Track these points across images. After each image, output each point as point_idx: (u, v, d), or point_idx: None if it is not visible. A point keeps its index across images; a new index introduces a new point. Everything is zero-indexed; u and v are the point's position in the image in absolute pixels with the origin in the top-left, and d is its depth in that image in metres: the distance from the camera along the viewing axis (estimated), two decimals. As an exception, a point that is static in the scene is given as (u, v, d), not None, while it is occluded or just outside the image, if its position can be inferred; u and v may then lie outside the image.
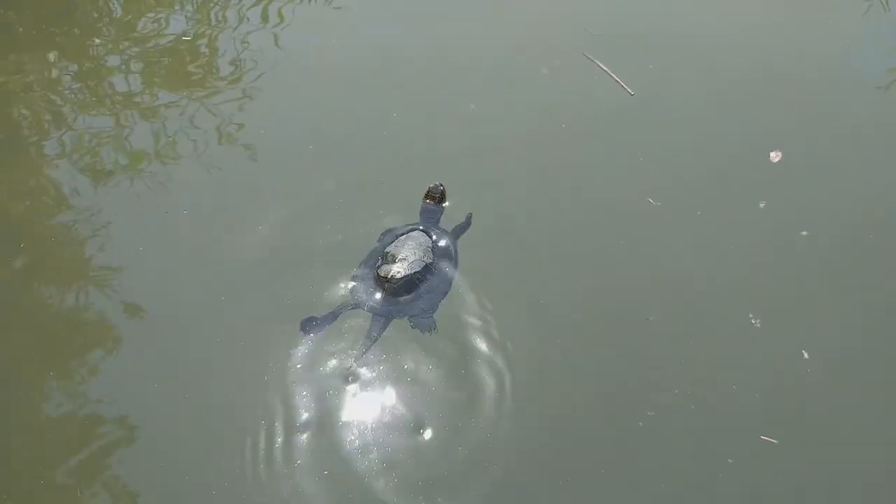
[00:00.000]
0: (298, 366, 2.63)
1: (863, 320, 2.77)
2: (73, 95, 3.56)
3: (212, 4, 4.06)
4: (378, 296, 2.71)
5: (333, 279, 2.82)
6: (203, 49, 3.80)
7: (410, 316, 2.68)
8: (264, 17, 3.90)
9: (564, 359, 2.65)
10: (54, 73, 3.67)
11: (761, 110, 3.41)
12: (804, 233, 2.96)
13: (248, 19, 3.94)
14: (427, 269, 2.74)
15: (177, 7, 4.10)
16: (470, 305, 2.72)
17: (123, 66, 3.67)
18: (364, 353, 2.58)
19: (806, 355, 2.68)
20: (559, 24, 3.81)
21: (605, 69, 3.55)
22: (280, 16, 3.96)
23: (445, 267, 2.79)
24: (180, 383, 2.61)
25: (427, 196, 2.99)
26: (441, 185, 2.98)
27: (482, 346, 2.65)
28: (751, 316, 2.76)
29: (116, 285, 2.85)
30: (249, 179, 3.18)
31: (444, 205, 2.99)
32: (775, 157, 3.20)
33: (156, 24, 3.89)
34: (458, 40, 3.76)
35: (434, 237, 2.85)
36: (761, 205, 3.01)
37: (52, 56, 3.73)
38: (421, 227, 2.87)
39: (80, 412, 2.58)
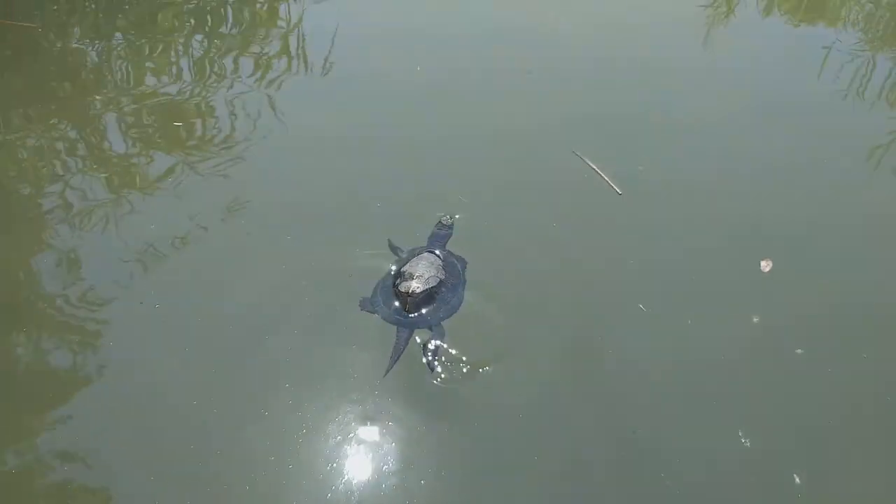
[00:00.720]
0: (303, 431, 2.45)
1: (862, 446, 2.65)
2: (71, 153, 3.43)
3: (208, 71, 4.03)
4: (399, 309, 2.81)
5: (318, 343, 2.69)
6: (198, 112, 3.74)
7: (432, 325, 2.77)
8: (259, 81, 3.87)
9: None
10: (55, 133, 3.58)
11: (752, 215, 3.36)
12: (798, 350, 2.86)
13: (240, 79, 3.95)
14: (441, 284, 2.86)
15: (173, 69, 4.05)
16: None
17: (121, 127, 3.60)
18: (392, 366, 2.62)
19: (798, 480, 2.54)
20: (550, 126, 3.80)
21: (595, 168, 3.50)
22: (277, 85, 3.94)
23: (455, 281, 2.93)
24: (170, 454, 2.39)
25: (438, 224, 3.16)
26: (451, 218, 3.15)
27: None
28: (740, 434, 2.62)
29: (98, 345, 2.67)
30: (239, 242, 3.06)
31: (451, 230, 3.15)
32: (766, 266, 3.14)
33: (155, 83, 3.88)
34: (448, 123, 3.73)
35: (442, 257, 2.99)
36: (755, 319, 2.92)
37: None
38: (428, 250, 3.02)
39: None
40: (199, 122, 3.76)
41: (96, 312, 2.80)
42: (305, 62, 4.31)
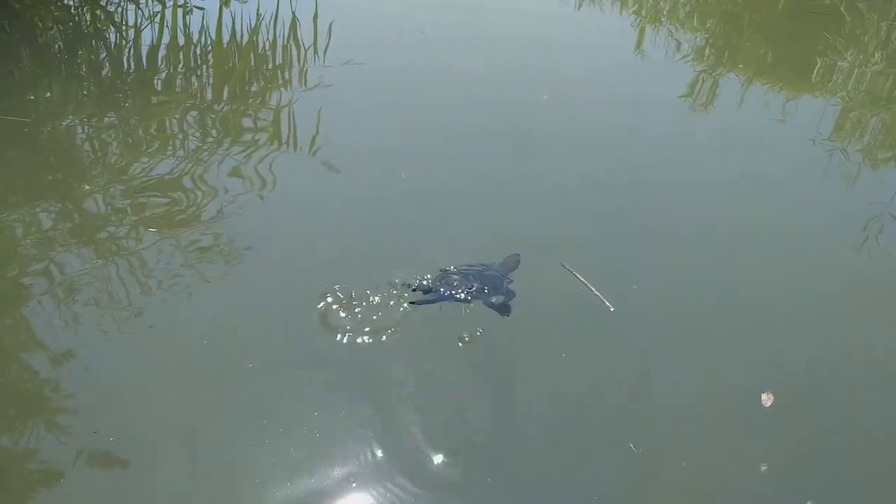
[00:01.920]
0: None
1: None
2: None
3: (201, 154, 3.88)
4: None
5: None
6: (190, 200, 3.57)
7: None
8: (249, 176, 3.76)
9: None
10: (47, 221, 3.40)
11: (751, 343, 3.00)
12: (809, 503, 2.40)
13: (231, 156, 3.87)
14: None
15: (168, 152, 3.91)
16: None
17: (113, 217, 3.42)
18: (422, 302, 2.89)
19: None
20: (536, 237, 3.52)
21: (585, 282, 3.17)
22: (271, 172, 3.80)
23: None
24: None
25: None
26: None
27: None
28: None
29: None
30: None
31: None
32: (767, 400, 2.73)
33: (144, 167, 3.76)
34: (436, 218, 3.47)
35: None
36: (762, 468, 2.47)
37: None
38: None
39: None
40: (186, 198, 3.59)
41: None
42: (295, 142, 4.17)
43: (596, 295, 3.08)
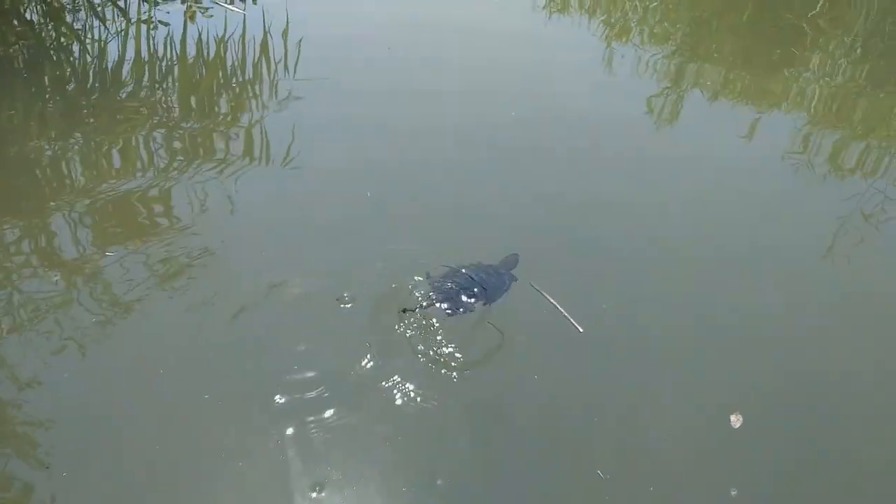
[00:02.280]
0: None
1: None
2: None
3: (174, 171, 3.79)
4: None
5: None
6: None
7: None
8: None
9: None
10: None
11: (719, 364, 2.98)
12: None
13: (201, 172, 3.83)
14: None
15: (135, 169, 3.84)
16: None
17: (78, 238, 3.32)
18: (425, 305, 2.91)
19: None
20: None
21: (554, 303, 3.14)
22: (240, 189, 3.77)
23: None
24: None
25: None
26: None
27: None
28: None
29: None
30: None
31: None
32: (736, 421, 2.71)
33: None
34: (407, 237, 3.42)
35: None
36: (733, 492, 2.45)
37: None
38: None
39: None
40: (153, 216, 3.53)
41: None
42: (265, 158, 4.11)
43: (565, 317, 3.05)
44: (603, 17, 7.29)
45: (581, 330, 2.99)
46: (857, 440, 2.70)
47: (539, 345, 2.94)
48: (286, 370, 2.69)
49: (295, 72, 5.18)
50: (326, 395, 2.61)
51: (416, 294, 3.04)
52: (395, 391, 2.65)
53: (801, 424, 2.75)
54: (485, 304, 3.04)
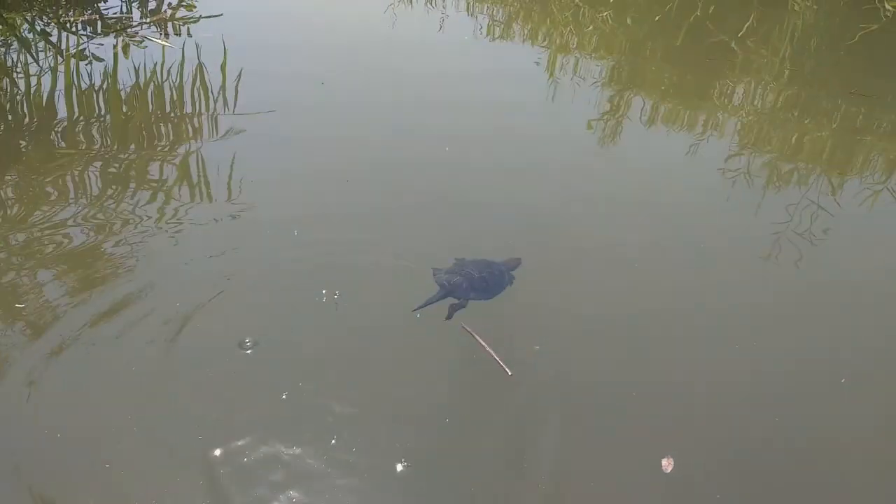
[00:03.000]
0: None
1: None
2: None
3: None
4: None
5: None
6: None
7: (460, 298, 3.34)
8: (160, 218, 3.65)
9: None
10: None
11: (650, 406, 3.00)
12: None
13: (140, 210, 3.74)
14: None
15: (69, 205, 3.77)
16: None
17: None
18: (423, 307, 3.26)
19: None
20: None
21: (484, 344, 3.14)
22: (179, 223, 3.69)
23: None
24: None
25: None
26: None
27: None
28: None
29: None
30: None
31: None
32: (667, 465, 2.74)
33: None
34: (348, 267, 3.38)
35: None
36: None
37: None
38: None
39: None
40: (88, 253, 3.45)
41: None
42: (205, 193, 4.07)
43: (495, 359, 3.06)
44: (544, 44, 7.37)
45: (510, 373, 3.00)
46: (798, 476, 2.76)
47: (464, 389, 2.95)
48: (220, 433, 2.64)
49: (236, 105, 5.10)
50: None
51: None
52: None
53: (734, 467, 2.76)
54: (482, 299, 3.34)
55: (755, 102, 6.15)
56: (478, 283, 3.37)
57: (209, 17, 6.43)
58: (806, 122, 5.82)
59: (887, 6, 7.82)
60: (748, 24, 7.80)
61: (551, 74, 6.45)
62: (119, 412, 2.70)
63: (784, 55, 7.18)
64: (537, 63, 6.75)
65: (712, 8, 8.27)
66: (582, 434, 2.81)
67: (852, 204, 4.60)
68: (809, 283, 3.83)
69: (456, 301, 3.34)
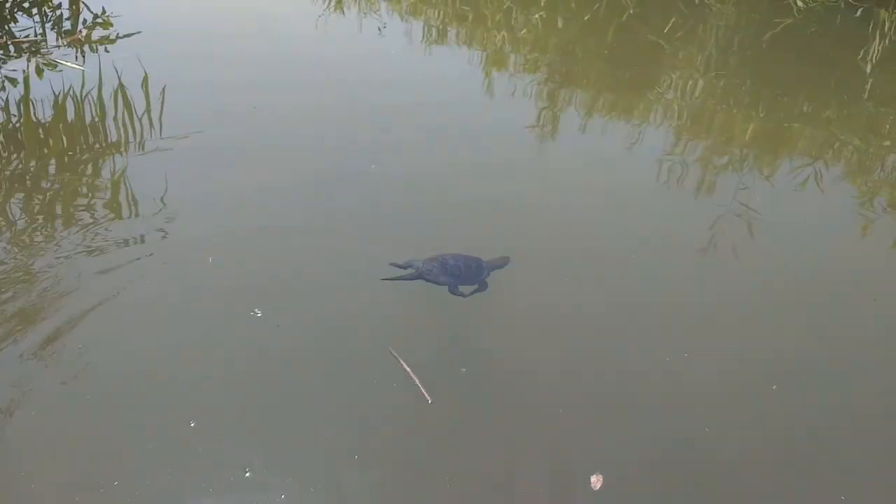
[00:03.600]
0: None
1: None
2: None
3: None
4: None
5: None
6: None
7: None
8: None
9: None
10: None
11: (578, 421, 2.95)
12: None
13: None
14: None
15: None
16: None
17: None
18: (393, 279, 3.49)
19: None
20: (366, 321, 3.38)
21: (408, 370, 3.06)
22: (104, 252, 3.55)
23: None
24: None
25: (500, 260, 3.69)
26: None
27: None
28: None
29: None
30: None
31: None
32: (596, 482, 2.70)
33: None
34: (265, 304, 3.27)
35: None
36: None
37: None
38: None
39: None
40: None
41: None
42: (133, 215, 3.94)
43: (417, 385, 2.98)
44: (479, 47, 7.33)
45: (430, 401, 2.92)
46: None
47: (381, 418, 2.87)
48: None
49: (161, 126, 4.91)
50: None
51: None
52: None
53: (665, 483, 2.73)
54: (453, 284, 3.48)
55: (685, 97, 6.20)
56: (451, 269, 3.48)
57: (127, 35, 6.20)
58: (734, 111, 5.91)
59: (799, 3, 8.02)
60: (673, 20, 7.88)
61: (488, 75, 6.43)
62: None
63: (710, 51, 7.27)
64: (472, 65, 6.70)
65: (638, 9, 8.33)
66: (510, 448, 2.75)
67: (785, 189, 4.71)
68: (747, 278, 3.85)
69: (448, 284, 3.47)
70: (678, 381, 3.13)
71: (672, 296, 3.64)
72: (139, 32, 6.26)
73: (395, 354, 3.12)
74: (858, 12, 7.78)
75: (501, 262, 3.70)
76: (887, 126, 5.84)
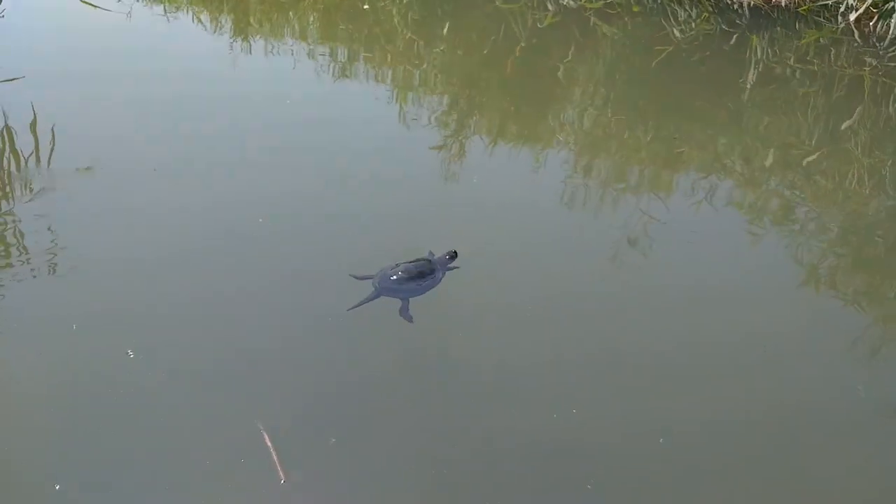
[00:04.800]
0: None
1: None
2: None
3: None
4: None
5: None
6: None
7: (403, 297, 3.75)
8: None
9: None
10: None
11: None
12: None
13: None
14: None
15: None
16: None
17: None
18: (357, 306, 3.70)
19: None
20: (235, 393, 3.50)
21: (269, 444, 3.18)
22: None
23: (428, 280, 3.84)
24: None
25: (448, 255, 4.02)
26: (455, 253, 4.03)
27: None
28: None
29: None
30: None
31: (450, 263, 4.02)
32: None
33: None
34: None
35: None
36: None
37: None
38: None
39: None
40: None
41: None
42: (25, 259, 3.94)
43: (273, 460, 3.10)
44: (385, 81, 7.44)
45: (283, 480, 3.04)
46: None
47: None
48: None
49: (49, 165, 4.89)
50: None
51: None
52: None
53: None
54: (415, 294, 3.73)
55: (581, 124, 6.46)
56: (407, 282, 3.72)
57: (7, 80, 6.10)
58: (625, 136, 6.18)
59: (676, 32, 8.38)
60: (571, 50, 8.13)
61: (401, 104, 6.55)
62: None
63: (599, 79, 7.54)
64: (380, 99, 6.82)
65: (534, 40, 8.55)
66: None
67: (680, 208, 5.04)
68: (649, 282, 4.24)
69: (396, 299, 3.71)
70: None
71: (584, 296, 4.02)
72: (23, 77, 6.17)
73: (261, 427, 3.23)
74: (733, 39, 8.14)
75: (450, 257, 3.98)
76: (769, 146, 6.13)
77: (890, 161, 5.83)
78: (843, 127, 6.29)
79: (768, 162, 5.80)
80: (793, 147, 6.05)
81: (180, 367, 3.46)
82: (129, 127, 5.64)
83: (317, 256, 4.26)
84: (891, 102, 6.82)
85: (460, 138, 5.92)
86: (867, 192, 5.38)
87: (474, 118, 6.40)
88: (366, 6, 9.04)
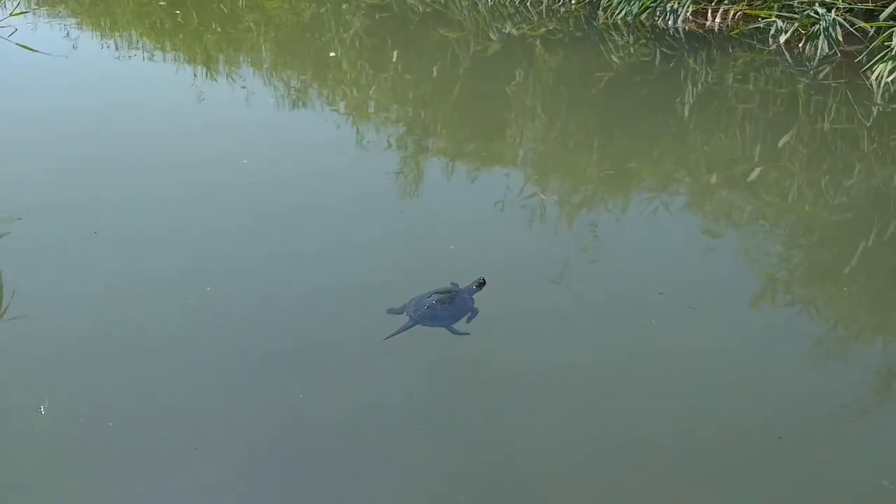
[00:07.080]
0: None
1: None
2: None
3: None
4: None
5: None
6: None
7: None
8: None
9: None
10: None
11: None
12: None
13: None
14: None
15: None
16: None
17: None
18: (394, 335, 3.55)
19: None
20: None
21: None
22: None
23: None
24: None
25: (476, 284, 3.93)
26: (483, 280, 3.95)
27: None
28: None
29: None
30: None
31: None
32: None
33: None
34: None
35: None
36: None
37: None
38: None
39: None
40: None
41: None
42: None
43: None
44: (339, 108, 7.29)
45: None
46: None
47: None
48: None
49: None
50: None
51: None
52: None
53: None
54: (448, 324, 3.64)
55: (531, 145, 6.38)
56: (440, 311, 3.66)
57: None
58: (573, 156, 6.13)
59: (614, 58, 8.48)
60: (517, 73, 8.09)
61: (357, 127, 6.42)
62: None
63: (545, 101, 7.50)
64: (337, 126, 6.66)
65: (479, 64, 8.53)
66: None
67: (631, 223, 4.96)
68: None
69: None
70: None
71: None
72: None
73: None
74: (672, 62, 8.24)
75: (479, 284, 3.90)
76: (714, 163, 6.14)
77: (827, 177, 5.89)
78: (780, 144, 6.36)
79: (713, 179, 5.79)
80: (737, 163, 6.07)
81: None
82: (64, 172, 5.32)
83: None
84: (825, 118, 6.95)
85: (417, 161, 5.78)
86: (807, 207, 5.40)
87: (428, 144, 6.27)
88: (332, 54, 8.94)
